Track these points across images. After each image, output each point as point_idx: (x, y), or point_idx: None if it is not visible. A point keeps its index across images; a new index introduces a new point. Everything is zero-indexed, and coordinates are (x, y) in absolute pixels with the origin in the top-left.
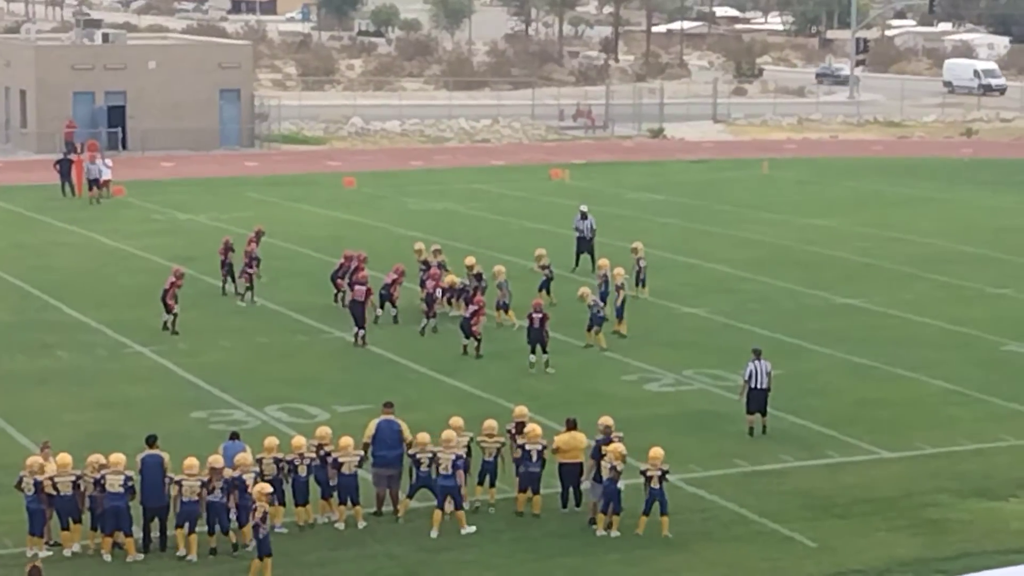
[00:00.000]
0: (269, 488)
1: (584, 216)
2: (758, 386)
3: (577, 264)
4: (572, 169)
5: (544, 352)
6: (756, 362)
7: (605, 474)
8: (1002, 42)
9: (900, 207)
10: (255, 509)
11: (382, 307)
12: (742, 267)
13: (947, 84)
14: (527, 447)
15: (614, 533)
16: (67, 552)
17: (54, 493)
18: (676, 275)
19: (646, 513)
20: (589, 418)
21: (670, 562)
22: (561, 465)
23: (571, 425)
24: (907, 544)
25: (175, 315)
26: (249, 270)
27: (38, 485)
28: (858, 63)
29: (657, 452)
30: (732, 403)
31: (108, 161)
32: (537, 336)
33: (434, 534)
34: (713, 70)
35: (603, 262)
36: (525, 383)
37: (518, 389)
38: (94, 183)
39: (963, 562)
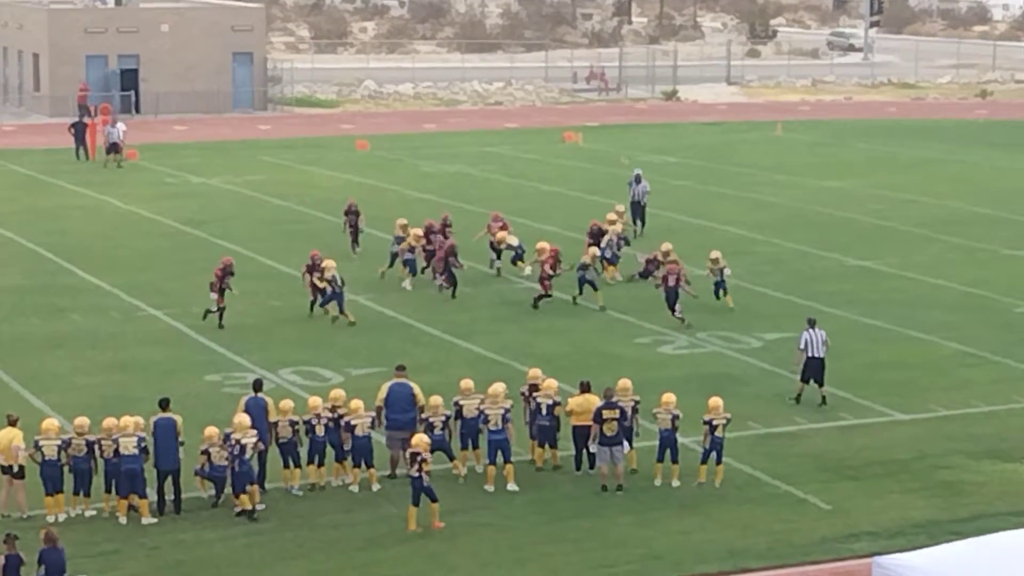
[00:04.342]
0: (427, 438)
1: (638, 180)
2: (815, 355)
3: (636, 229)
4: (585, 131)
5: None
6: (811, 331)
7: (661, 425)
8: (1017, 2)
9: (914, 169)
10: (423, 459)
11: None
12: (755, 229)
13: None
14: (538, 400)
15: (675, 482)
16: (50, 518)
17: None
18: (689, 237)
19: (704, 462)
20: (603, 381)
21: (684, 524)
22: (575, 428)
23: (585, 388)
24: (921, 506)
25: (221, 309)
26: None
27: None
28: (872, 24)
29: (717, 402)
30: (745, 365)
31: (122, 125)
32: (673, 295)
33: (490, 488)
34: (727, 32)
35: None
36: (539, 346)
37: (532, 352)
38: (114, 147)
39: (977, 524)
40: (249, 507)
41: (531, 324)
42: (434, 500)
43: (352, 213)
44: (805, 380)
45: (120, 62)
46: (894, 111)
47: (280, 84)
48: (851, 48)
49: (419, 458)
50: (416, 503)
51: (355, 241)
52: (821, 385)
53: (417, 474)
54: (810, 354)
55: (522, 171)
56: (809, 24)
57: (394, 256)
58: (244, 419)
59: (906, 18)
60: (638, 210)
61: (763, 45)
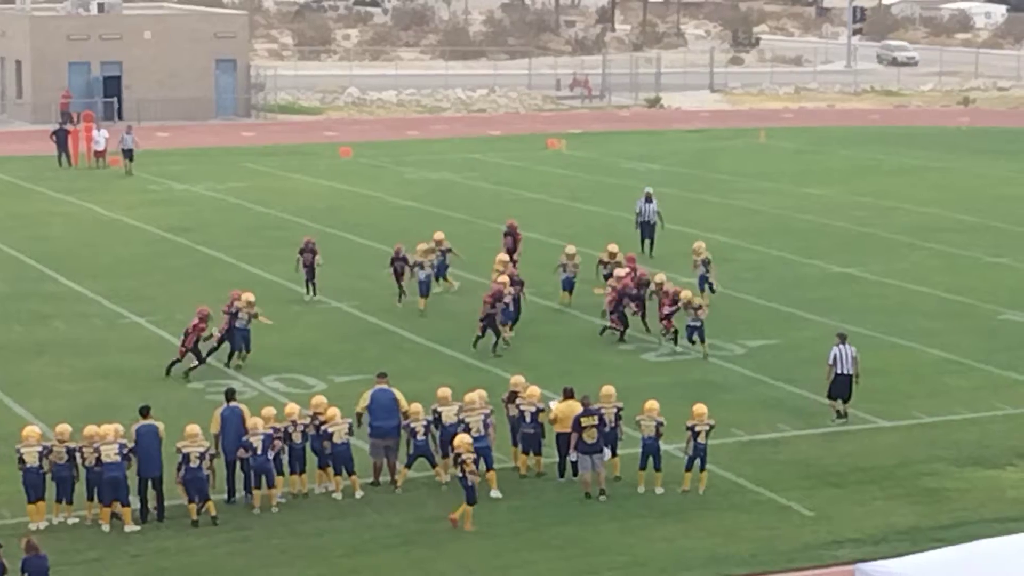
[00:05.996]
0: (469, 439)
1: (649, 199)
2: (844, 371)
3: (643, 250)
4: (568, 139)
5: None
6: (841, 347)
7: (645, 432)
8: (999, 10)
9: (897, 176)
10: (464, 460)
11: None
12: (738, 236)
13: None
14: (522, 407)
15: (659, 490)
16: (32, 526)
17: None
18: (672, 244)
19: (688, 469)
20: (586, 388)
21: (667, 531)
22: (558, 435)
23: (568, 395)
24: (904, 513)
25: (179, 360)
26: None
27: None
28: (855, 32)
29: (701, 408)
30: (728, 372)
31: (105, 132)
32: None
33: None
34: (710, 39)
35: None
36: (522, 353)
37: (515, 359)
38: (128, 154)
39: (960, 530)
40: (213, 513)
41: (514, 331)
42: (472, 502)
43: (308, 251)
44: (832, 397)
45: (103, 69)
46: (877, 118)
47: (263, 91)
48: (895, 62)
49: (461, 459)
50: (471, 502)
51: (310, 282)
52: (846, 401)
53: (461, 474)
54: (839, 370)
55: (506, 178)
56: (792, 32)
57: (423, 284)
58: (191, 428)
59: (888, 25)
60: (648, 230)
61: (746, 52)
